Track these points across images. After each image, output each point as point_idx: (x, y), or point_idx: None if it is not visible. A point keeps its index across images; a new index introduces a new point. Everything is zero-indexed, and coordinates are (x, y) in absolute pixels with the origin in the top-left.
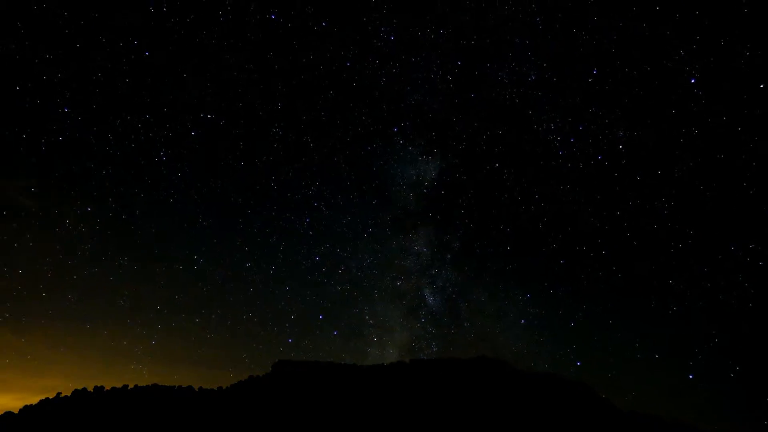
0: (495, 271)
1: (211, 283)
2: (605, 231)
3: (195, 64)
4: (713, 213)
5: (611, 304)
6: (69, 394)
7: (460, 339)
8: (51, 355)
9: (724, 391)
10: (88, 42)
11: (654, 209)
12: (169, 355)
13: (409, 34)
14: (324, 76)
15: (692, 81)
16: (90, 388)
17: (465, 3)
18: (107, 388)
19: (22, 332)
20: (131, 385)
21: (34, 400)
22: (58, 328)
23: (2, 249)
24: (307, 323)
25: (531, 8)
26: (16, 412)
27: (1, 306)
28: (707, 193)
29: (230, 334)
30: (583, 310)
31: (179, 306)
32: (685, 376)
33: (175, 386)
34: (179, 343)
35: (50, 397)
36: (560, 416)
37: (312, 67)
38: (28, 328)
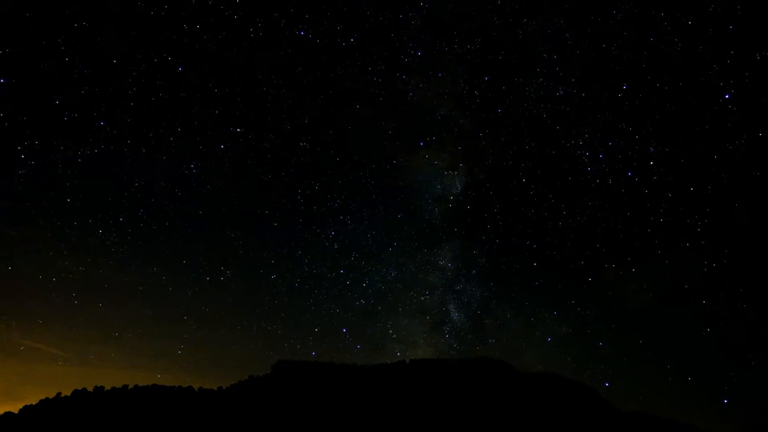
0: (521, 288)
1: (237, 295)
2: (635, 249)
3: (225, 79)
4: (749, 232)
5: (641, 324)
6: (69, 394)
7: (484, 355)
8: (79, 361)
9: (762, 417)
10: (124, 58)
11: (686, 227)
12: (194, 365)
13: (437, 49)
14: (351, 91)
15: (726, 96)
16: (90, 388)
17: (493, 18)
18: (107, 388)
19: (51, 338)
20: (131, 385)
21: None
22: (88, 336)
23: (36, 257)
24: (331, 336)
25: (560, 23)
26: (15, 412)
27: (31, 312)
28: (742, 211)
29: (254, 346)
30: (612, 329)
31: (205, 317)
32: (719, 401)
33: (175, 386)
34: (204, 354)
35: (50, 397)
36: (560, 415)
37: (339, 82)
38: (58, 335)
